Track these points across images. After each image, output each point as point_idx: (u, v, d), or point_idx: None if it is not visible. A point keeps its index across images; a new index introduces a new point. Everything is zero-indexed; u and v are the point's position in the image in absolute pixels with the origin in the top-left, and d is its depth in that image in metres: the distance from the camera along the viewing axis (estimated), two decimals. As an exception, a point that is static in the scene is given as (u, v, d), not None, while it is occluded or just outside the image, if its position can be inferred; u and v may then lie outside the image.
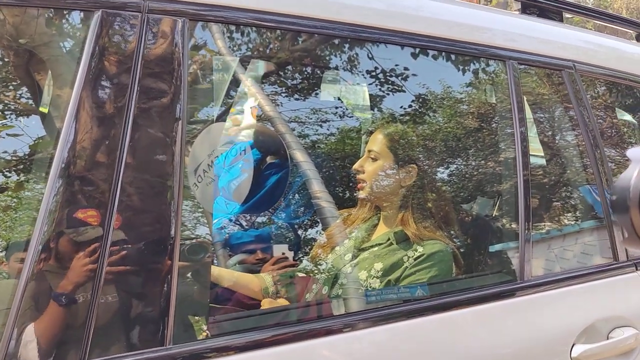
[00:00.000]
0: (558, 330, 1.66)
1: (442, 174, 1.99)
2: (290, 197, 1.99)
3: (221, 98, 1.86)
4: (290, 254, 1.81)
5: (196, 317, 1.30)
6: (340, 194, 1.98)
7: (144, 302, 1.15)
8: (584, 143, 1.93)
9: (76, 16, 1.19)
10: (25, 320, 1.04)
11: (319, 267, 1.79)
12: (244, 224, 2.00)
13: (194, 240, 1.48)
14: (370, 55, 1.70)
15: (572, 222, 2.06)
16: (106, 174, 1.12)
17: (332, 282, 1.67)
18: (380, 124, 1.95)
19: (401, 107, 1.96)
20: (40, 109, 1.37)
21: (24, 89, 1.37)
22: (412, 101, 1.94)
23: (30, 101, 1.38)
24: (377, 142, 1.85)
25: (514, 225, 1.76)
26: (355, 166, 1.85)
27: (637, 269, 1.90)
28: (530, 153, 1.78)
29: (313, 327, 1.36)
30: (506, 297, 1.66)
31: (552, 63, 1.89)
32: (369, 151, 1.84)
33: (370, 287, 1.66)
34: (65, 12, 1.19)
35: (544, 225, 1.94)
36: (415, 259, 1.68)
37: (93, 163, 1.12)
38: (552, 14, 2.05)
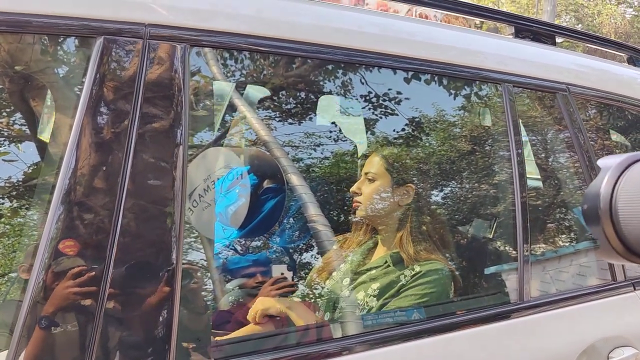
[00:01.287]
0: (559, 351, 1.66)
1: (440, 196, 1.99)
2: (287, 221, 1.99)
3: (220, 122, 1.86)
4: (289, 274, 1.80)
5: (197, 342, 1.29)
6: (336, 218, 1.98)
7: (145, 328, 1.14)
8: (579, 164, 1.95)
9: (78, 42, 1.20)
10: (22, 347, 1.03)
11: (316, 292, 1.78)
12: (242, 248, 1.99)
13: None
14: (365, 79, 1.71)
15: (569, 243, 2.06)
16: (108, 200, 1.11)
17: (332, 308, 1.67)
18: (376, 147, 1.95)
19: (398, 130, 1.97)
20: (40, 135, 1.37)
21: (21, 115, 1.37)
22: (410, 124, 1.95)
23: (26, 128, 1.38)
24: (374, 164, 1.85)
25: (512, 247, 1.76)
26: (353, 188, 1.85)
27: (635, 289, 1.91)
28: (527, 175, 1.80)
29: (312, 351, 1.36)
30: (506, 318, 1.65)
31: (546, 86, 1.91)
32: (366, 173, 1.84)
33: (367, 306, 1.65)
34: (66, 39, 1.20)
35: (542, 246, 1.95)
36: (412, 277, 1.68)
37: (95, 189, 1.12)
38: (545, 37, 2.07)
